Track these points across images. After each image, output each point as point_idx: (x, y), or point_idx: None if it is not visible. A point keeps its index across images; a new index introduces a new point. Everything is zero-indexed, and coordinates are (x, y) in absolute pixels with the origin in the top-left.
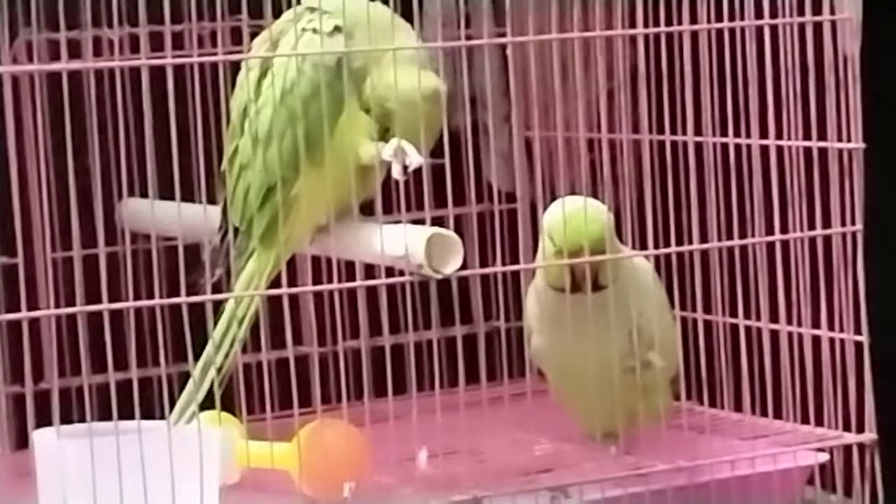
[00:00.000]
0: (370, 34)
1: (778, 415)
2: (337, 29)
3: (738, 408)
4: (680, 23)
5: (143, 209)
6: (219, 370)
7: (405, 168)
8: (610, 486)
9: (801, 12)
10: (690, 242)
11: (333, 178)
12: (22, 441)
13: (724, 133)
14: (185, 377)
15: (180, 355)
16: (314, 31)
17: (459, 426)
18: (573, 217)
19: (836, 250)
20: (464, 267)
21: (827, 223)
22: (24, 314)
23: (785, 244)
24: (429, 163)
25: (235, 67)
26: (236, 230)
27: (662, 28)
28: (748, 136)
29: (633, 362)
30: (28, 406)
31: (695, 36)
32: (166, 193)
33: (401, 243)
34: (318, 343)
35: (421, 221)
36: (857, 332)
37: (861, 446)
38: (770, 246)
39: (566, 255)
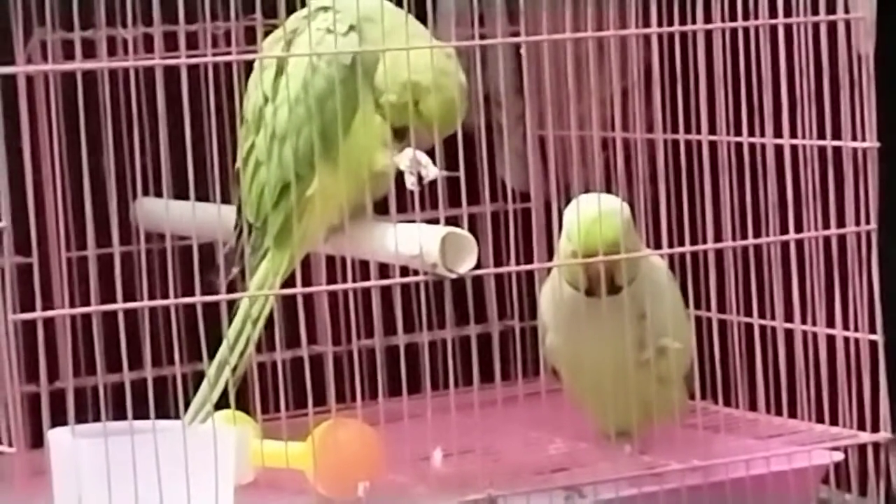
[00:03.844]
0: (382, 29)
1: (793, 414)
2: (351, 28)
3: (752, 407)
4: (694, 22)
5: (157, 208)
6: (233, 370)
7: (420, 179)
8: (624, 486)
9: (816, 11)
10: (705, 242)
11: (347, 178)
12: (37, 440)
13: (739, 132)
14: (199, 377)
15: (195, 355)
16: (328, 30)
17: (474, 425)
18: (589, 219)
19: (851, 249)
20: (478, 266)
21: (841, 222)
22: (38, 314)
23: (799, 243)
24: (443, 175)
25: (250, 67)
26: (251, 228)
27: (676, 27)
28: (762, 135)
29: (647, 355)
30: (43, 405)
31: (709, 35)
32: (181, 193)
33: (415, 243)
34: (332, 342)
35: (435, 221)
36: (872, 330)
37: (876, 445)
38: (784, 245)
39: (581, 257)
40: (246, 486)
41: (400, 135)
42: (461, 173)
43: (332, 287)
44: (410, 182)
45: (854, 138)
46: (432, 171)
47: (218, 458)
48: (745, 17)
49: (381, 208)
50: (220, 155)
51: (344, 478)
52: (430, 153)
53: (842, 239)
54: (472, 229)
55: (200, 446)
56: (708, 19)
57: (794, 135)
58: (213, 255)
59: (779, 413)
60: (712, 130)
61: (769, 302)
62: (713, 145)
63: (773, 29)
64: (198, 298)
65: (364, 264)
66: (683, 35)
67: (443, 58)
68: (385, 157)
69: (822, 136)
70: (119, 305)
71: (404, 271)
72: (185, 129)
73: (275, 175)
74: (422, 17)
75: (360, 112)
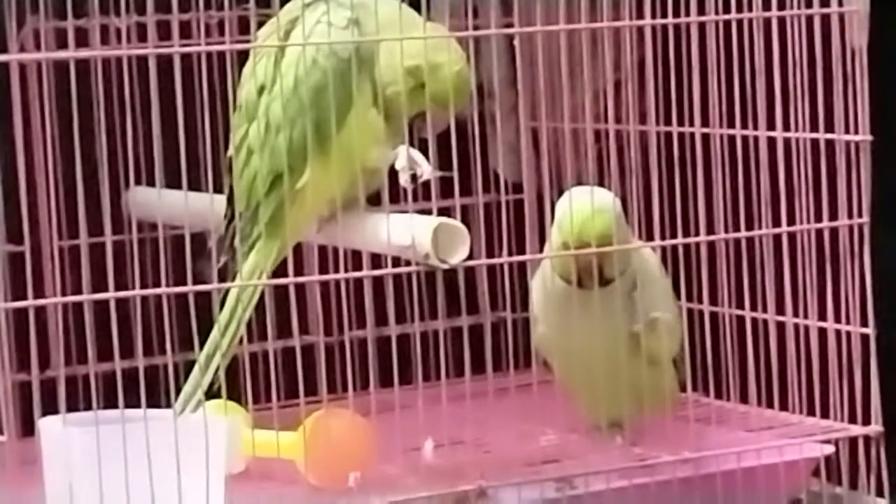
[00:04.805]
0: (376, 21)
1: (784, 407)
2: (350, 22)
3: (744, 399)
4: (688, 14)
5: (149, 198)
6: (223, 354)
7: (414, 177)
8: (615, 477)
9: (809, 4)
10: (697, 234)
11: (340, 172)
12: (28, 429)
13: (732, 125)
14: (190, 365)
15: (186, 344)
16: (328, 23)
17: (465, 416)
18: (580, 212)
19: (843, 242)
20: (470, 257)
21: (834, 215)
22: (30, 302)
23: (792, 236)
24: (437, 175)
25: (243, 56)
26: (241, 215)
27: (670, 19)
28: (755, 127)
29: (638, 328)
30: (34, 394)
31: (702, 27)
32: (173, 182)
33: (407, 233)
34: (324, 332)
35: (427, 211)
36: (864, 324)
37: (867, 438)
38: (777, 238)
39: (573, 249)
40: (237, 476)
41: (395, 128)
42: (454, 172)
43: (324, 277)
44: (404, 180)
45: (847, 131)
46: (427, 171)
47: (209, 447)
48: (739, 10)
49: (373, 199)
50: (213, 144)
51: (335, 468)
52: (424, 149)
53: (834, 232)
54: (465, 220)
55: (191, 435)
56: (701, 12)
57: (787, 128)
58: (206, 244)
59: (770, 406)
60: (705, 123)
61: (761, 295)
62: (706, 138)
63: (767, 22)
64: (189, 288)
65: (356, 254)
66: (677, 27)
67: (439, 40)
68: (379, 153)
69: (815, 128)
70: (111, 294)
71: (396, 262)
72: (178, 118)
73: (267, 165)
74: (416, 8)
75: (356, 107)
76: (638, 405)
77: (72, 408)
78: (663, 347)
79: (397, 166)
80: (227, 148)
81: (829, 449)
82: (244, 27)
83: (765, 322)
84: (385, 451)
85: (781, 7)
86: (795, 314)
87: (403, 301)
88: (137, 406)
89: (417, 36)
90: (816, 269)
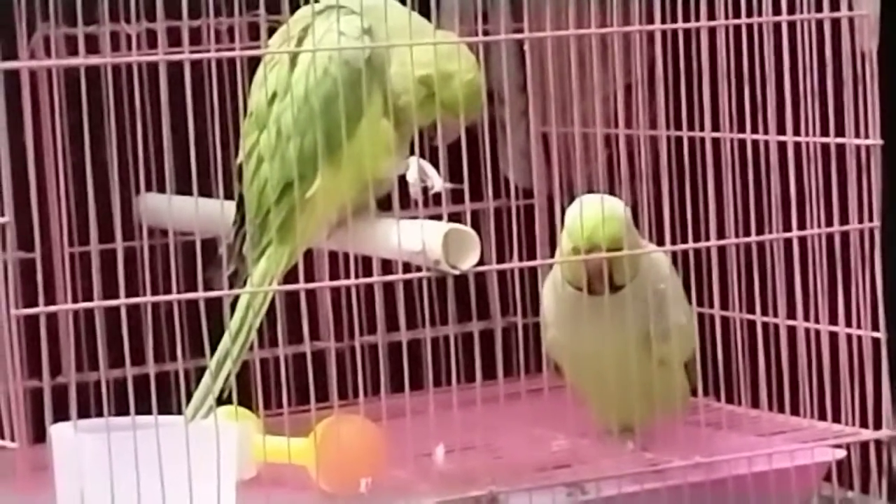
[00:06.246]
0: (386, 29)
1: (795, 411)
2: (363, 31)
3: (755, 404)
4: (698, 19)
5: (160, 204)
6: (234, 362)
7: (425, 190)
8: (627, 482)
9: (819, 8)
10: (708, 238)
11: (350, 181)
12: (39, 435)
13: (742, 129)
14: (201, 372)
15: (197, 350)
16: (341, 33)
17: (476, 422)
18: (591, 218)
19: (854, 247)
20: (481, 262)
21: (844, 219)
22: (41, 309)
23: (802, 240)
24: (448, 187)
25: (253, 63)
26: (251, 221)
27: (680, 24)
28: (766, 132)
29: (655, 333)
30: (46, 400)
31: (712, 32)
32: (184, 188)
33: (418, 239)
34: (335, 338)
35: (438, 217)
36: (875, 328)
37: (878, 443)
38: (787, 242)
39: (583, 255)
40: (248, 482)
41: (406, 137)
42: (465, 178)
43: (335, 283)
44: (415, 192)
45: (857, 135)
46: (437, 183)
47: (220, 453)
48: (749, 14)
49: (384, 204)
50: (223, 150)
51: (346, 473)
52: (435, 157)
53: (845, 236)
54: (475, 226)
55: (203, 442)
56: (712, 16)
57: (797, 132)
58: (216, 250)
59: (781, 410)
60: (716, 127)
61: (772, 299)
62: (716, 142)
63: (777, 26)
64: (200, 294)
65: (367, 260)
66: (687, 32)
67: (451, 47)
68: (389, 163)
69: (825, 133)
70: (121, 301)
71: (407, 267)
72: (188, 124)
73: (277, 172)
74: (425, 14)
75: (366, 116)
76: (649, 410)
77: (83, 414)
78: (675, 353)
79: (409, 179)
80: (237, 154)
81: (841, 453)
82: (254, 33)
83: (776, 326)
84: (396, 457)
85: (792, 11)
86: (806, 318)
87: (414, 307)
88: (148, 412)
89: (428, 42)
90: (827, 273)
